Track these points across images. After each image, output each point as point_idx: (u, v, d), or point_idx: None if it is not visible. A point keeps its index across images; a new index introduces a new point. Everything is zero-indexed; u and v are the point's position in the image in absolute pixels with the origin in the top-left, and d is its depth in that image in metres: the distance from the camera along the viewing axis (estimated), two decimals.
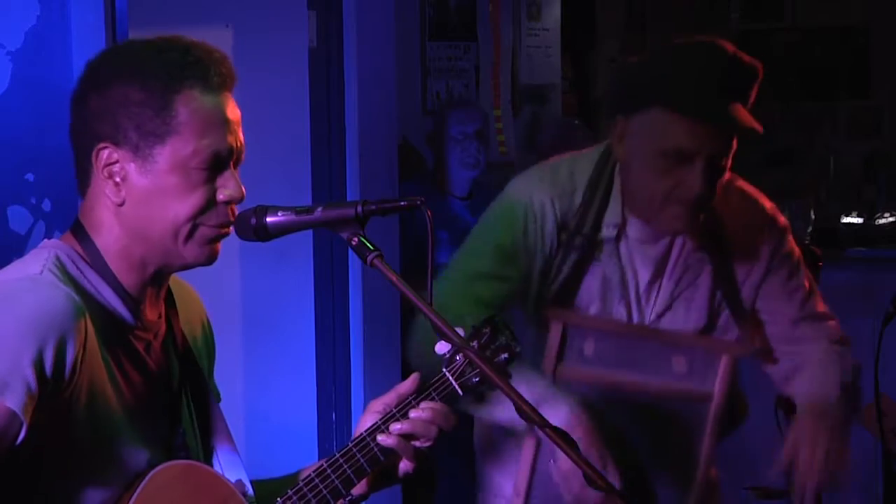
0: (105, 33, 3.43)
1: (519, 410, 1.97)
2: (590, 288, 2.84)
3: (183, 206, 2.04)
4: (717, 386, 2.85)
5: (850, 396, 2.94)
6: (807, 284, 2.96)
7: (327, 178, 4.67)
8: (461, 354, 2.24)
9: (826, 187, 7.62)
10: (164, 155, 2.03)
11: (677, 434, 2.87)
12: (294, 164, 4.63)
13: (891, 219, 6.99)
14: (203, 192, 2.05)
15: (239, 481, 2.16)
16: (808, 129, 8.40)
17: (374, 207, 2.10)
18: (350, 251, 2.13)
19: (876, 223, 6.98)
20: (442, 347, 2.24)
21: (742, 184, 2.93)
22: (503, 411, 2.74)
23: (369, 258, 2.06)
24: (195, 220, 2.05)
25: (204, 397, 2.21)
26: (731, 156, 2.74)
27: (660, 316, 2.87)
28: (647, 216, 2.78)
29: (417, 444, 2.21)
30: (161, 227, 2.04)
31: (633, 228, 2.83)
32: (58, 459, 1.98)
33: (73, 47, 3.39)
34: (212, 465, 2.18)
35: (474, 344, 2.28)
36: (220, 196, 2.06)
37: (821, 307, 2.99)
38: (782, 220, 2.95)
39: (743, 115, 2.68)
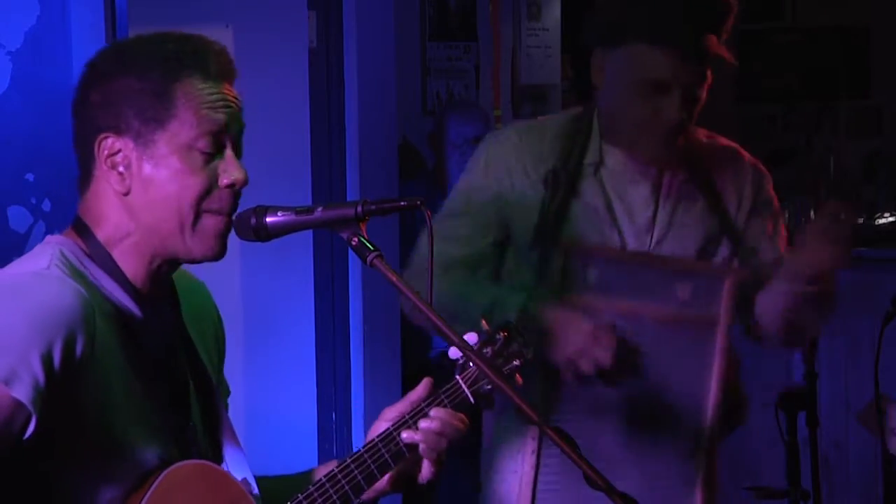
0: (105, 33, 3.43)
1: (519, 411, 1.97)
2: (580, 220, 2.91)
3: (185, 191, 2.05)
4: (721, 309, 2.91)
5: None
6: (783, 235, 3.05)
7: (327, 178, 4.67)
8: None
9: (826, 187, 7.62)
10: (165, 139, 2.05)
11: (687, 359, 2.91)
12: (294, 164, 4.63)
13: (891, 219, 6.99)
14: (205, 175, 2.06)
15: (244, 480, 2.16)
16: (808, 129, 8.40)
17: (373, 207, 2.11)
18: (350, 251, 2.13)
19: (876, 223, 6.98)
20: (455, 352, 2.24)
21: (723, 140, 3.06)
22: None
23: (369, 258, 2.07)
24: (199, 205, 2.06)
25: (210, 394, 2.21)
26: (706, 86, 2.86)
27: (659, 243, 2.94)
28: (626, 144, 2.90)
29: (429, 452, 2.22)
30: (167, 215, 2.05)
31: (615, 160, 2.92)
32: (68, 455, 1.98)
33: (73, 47, 3.38)
34: (220, 463, 2.18)
35: (488, 350, 2.28)
36: (224, 180, 2.07)
37: None
38: (761, 166, 3.06)
39: (715, 45, 2.83)
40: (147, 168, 2.05)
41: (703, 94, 2.87)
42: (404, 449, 2.21)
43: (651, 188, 2.93)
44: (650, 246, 2.93)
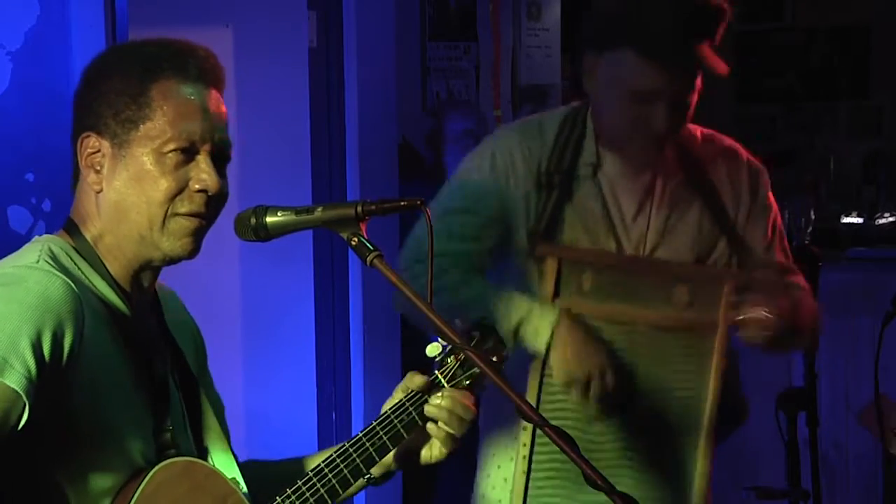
0: (105, 33, 3.43)
1: (518, 409, 1.97)
2: (576, 224, 2.89)
3: (154, 191, 2.06)
4: (720, 315, 2.87)
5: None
6: (775, 234, 3.00)
7: (327, 178, 4.67)
8: (451, 357, 2.24)
9: (826, 187, 7.62)
10: (138, 140, 2.07)
11: (682, 365, 2.89)
12: (294, 164, 4.63)
13: (891, 219, 6.99)
14: (175, 177, 2.07)
15: (233, 479, 2.17)
16: (808, 129, 8.40)
17: (374, 207, 2.11)
18: (350, 251, 2.13)
19: (876, 223, 6.98)
20: (432, 350, 2.24)
21: (716, 135, 3.01)
22: None
23: (369, 258, 2.07)
24: (167, 206, 2.07)
25: (195, 397, 2.22)
26: (696, 93, 2.82)
27: (654, 248, 2.91)
28: (616, 149, 2.87)
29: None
30: (135, 214, 2.07)
31: (611, 164, 2.90)
32: (59, 445, 1.99)
33: (73, 47, 3.39)
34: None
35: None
36: (194, 186, 2.08)
37: (782, 260, 3.01)
38: (757, 164, 3.02)
39: (707, 56, 2.77)
40: (119, 167, 2.08)
41: (694, 101, 2.82)
42: (417, 418, 2.22)
43: (644, 194, 2.90)
44: (645, 250, 2.90)
